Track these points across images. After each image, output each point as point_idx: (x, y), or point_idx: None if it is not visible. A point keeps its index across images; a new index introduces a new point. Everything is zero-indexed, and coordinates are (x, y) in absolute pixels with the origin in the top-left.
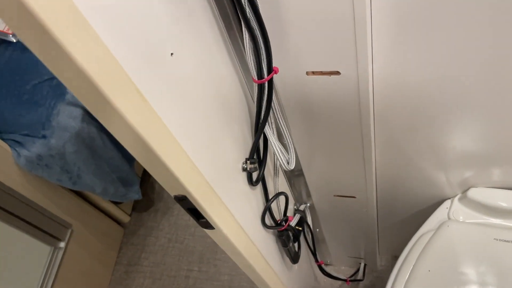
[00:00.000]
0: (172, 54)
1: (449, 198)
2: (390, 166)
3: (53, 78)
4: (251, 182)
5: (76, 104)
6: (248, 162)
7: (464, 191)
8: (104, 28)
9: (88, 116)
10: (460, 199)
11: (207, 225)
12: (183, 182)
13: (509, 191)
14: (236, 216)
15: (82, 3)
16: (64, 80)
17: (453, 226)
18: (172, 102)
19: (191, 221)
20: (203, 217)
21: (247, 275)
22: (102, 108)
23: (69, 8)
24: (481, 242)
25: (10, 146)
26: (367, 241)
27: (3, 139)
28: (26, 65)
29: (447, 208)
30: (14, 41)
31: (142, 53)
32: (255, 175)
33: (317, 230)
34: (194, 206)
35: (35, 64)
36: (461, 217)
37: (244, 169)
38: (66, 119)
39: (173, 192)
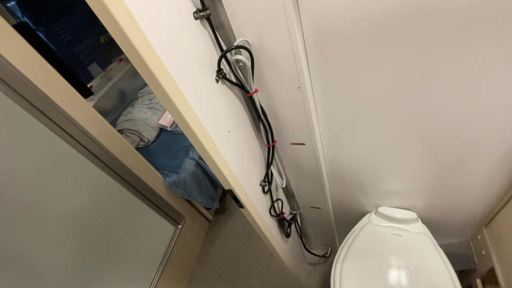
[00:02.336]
0: (229, 131)
1: (370, 212)
2: (339, 194)
3: (184, 146)
4: (264, 192)
5: (193, 158)
6: (262, 182)
7: (377, 208)
8: (202, 116)
9: (198, 164)
10: (375, 213)
11: (241, 206)
12: (230, 183)
13: (400, 209)
14: (256, 205)
15: (196, 108)
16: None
17: (370, 226)
18: (229, 151)
19: (244, 220)
20: (238, 201)
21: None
22: (202, 149)
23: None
24: (385, 235)
25: (162, 175)
26: (331, 235)
27: (160, 172)
28: (173, 140)
29: (368, 217)
30: (170, 130)
31: (216, 129)
32: (266, 189)
33: (304, 227)
34: (234, 194)
35: (178, 141)
36: (375, 222)
37: (260, 185)
38: (188, 166)
39: (226, 187)
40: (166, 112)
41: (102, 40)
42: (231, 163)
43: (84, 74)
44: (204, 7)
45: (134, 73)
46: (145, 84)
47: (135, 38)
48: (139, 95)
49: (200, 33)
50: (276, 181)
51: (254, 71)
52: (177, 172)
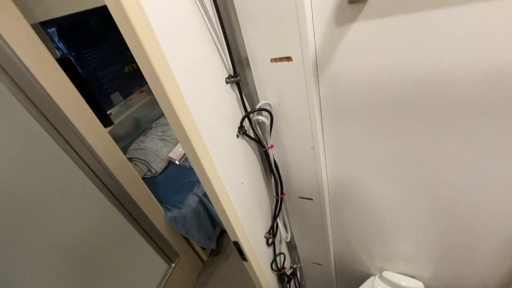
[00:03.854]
0: (242, 183)
1: (374, 275)
2: (342, 252)
3: (189, 182)
4: (267, 244)
5: (196, 195)
6: (267, 233)
7: (381, 272)
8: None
9: (200, 201)
10: (379, 277)
11: (245, 259)
12: (238, 236)
13: (405, 276)
14: (259, 259)
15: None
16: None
17: None
18: (240, 202)
19: (239, 265)
20: (243, 254)
21: None
22: (216, 201)
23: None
24: None
25: (164, 209)
26: None
27: (162, 205)
28: (180, 174)
29: (371, 281)
30: (178, 163)
31: (231, 181)
32: (270, 241)
33: (303, 282)
34: (240, 247)
35: (184, 175)
36: (379, 287)
37: (265, 237)
38: (191, 202)
39: (233, 238)
40: (177, 145)
41: (126, 69)
42: (241, 215)
43: (106, 101)
44: (235, 74)
45: (152, 103)
46: (160, 116)
47: (174, 99)
48: (153, 125)
49: (228, 94)
50: (281, 234)
51: (272, 128)
52: (179, 208)
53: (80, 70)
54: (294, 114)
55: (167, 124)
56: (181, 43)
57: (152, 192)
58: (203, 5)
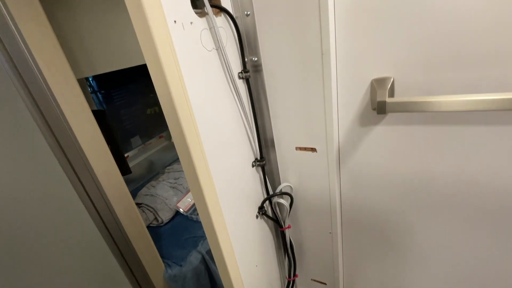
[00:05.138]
0: (256, 266)
1: None
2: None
3: (194, 236)
4: None
5: (200, 252)
6: None
7: None
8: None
9: (203, 260)
10: None
11: None
12: None
13: None
14: None
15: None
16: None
17: None
18: (252, 286)
19: None
20: None
21: None
22: (221, 261)
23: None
24: None
25: (164, 265)
26: None
27: (163, 261)
28: (186, 227)
29: None
30: (184, 214)
31: (246, 264)
32: None
33: None
34: None
35: (190, 229)
36: None
37: None
38: (193, 259)
39: None
40: (187, 195)
41: (148, 111)
42: (244, 277)
43: (125, 143)
44: (262, 159)
45: (168, 147)
46: (174, 160)
47: (206, 188)
48: (166, 170)
49: (252, 176)
50: None
51: (291, 210)
52: (180, 265)
53: (105, 106)
54: (315, 199)
55: (180, 170)
56: (217, 128)
57: (155, 243)
58: (239, 97)
